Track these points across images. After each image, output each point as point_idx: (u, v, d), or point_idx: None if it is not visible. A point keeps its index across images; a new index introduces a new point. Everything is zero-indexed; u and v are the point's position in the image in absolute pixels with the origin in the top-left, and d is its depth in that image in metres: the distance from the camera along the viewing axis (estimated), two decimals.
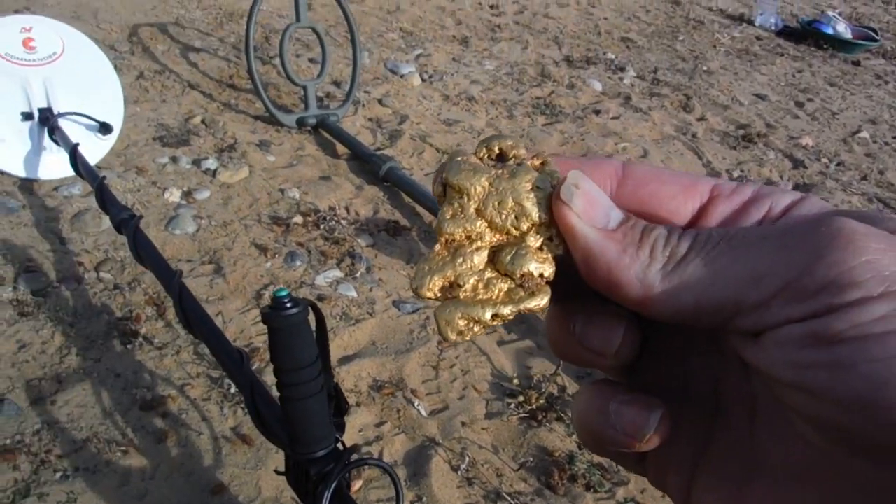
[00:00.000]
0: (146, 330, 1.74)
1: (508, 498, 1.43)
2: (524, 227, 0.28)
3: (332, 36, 3.88)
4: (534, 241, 0.28)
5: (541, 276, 0.27)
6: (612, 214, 0.27)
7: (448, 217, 0.29)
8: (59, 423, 1.47)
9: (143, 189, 2.29)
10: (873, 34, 5.92)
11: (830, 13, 6.17)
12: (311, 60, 3.54)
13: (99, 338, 1.70)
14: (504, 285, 0.28)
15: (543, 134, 3.22)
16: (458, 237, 0.29)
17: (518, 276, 0.27)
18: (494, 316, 0.27)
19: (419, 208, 2.42)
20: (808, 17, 6.30)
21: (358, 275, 2.05)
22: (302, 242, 2.15)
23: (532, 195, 0.28)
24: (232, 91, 3.13)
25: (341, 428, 1.10)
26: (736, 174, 3.17)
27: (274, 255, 2.07)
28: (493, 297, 0.28)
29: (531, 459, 1.54)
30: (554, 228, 0.28)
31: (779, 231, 0.25)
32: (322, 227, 2.23)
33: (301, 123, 2.87)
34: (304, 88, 2.88)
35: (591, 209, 0.27)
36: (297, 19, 2.82)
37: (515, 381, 1.75)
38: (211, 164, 2.48)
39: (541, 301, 0.27)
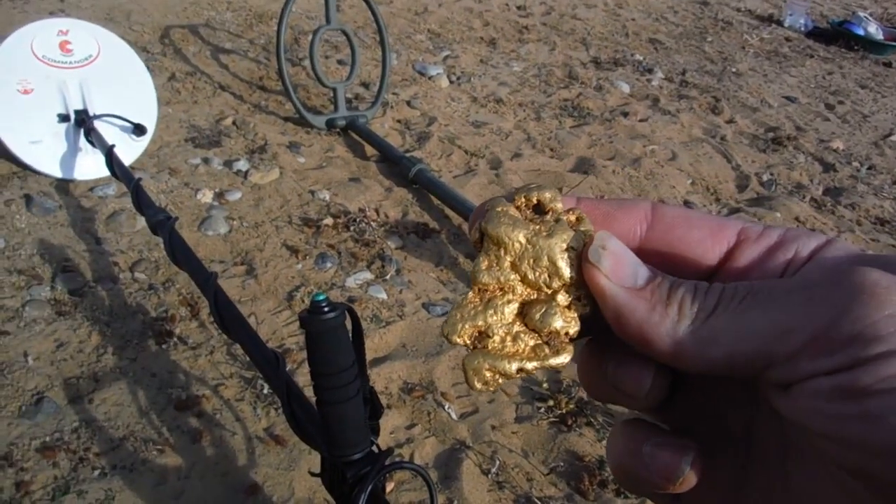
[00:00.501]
0: (180, 330, 1.77)
1: (539, 502, 1.44)
2: (555, 285, 0.29)
3: (360, 37, 3.90)
4: (563, 299, 0.29)
5: (566, 334, 0.29)
6: (639, 272, 0.28)
7: (483, 267, 0.30)
8: (96, 421, 1.50)
9: (175, 190, 2.32)
10: None
11: (861, 14, 6.09)
12: (339, 62, 3.57)
13: (134, 337, 1.73)
14: (531, 341, 0.29)
15: (571, 136, 3.21)
16: (491, 288, 0.30)
17: (545, 333, 0.29)
18: (520, 370, 0.29)
19: (448, 211, 2.43)
20: (839, 18, 6.23)
21: (388, 277, 2.06)
22: (332, 244, 2.17)
23: (566, 255, 0.29)
24: (262, 93, 3.16)
25: (376, 431, 1.11)
26: (765, 177, 3.14)
27: (305, 256, 2.09)
28: (520, 352, 0.29)
29: (561, 464, 1.55)
30: (583, 288, 0.29)
31: (804, 284, 0.25)
32: (352, 228, 2.25)
33: (330, 125, 2.89)
34: (334, 90, 2.89)
35: (618, 269, 0.28)
36: (328, 21, 2.84)
37: (545, 386, 1.75)
38: (242, 165, 2.51)
39: (564, 359, 0.29)
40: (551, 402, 1.68)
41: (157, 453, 1.45)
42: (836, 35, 5.87)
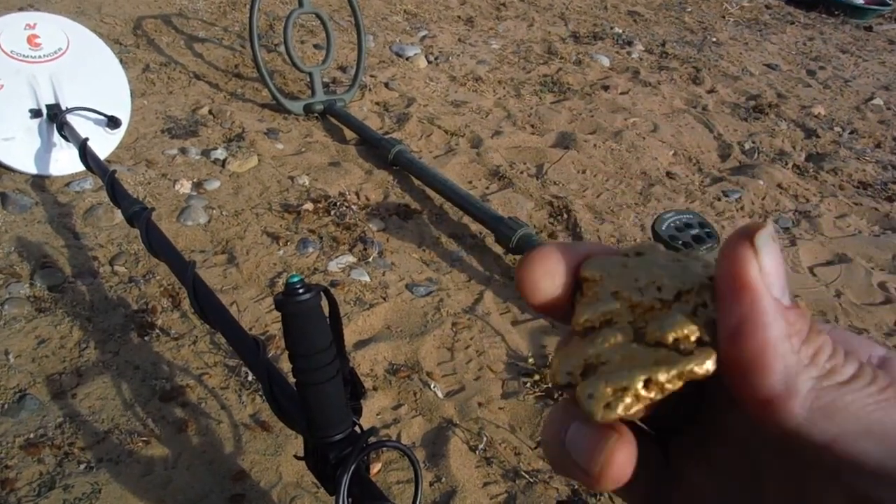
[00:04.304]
0: (162, 321, 1.76)
1: (527, 476, 1.44)
2: (668, 297, 0.25)
3: (335, 21, 3.87)
4: (684, 306, 0.25)
5: (698, 339, 0.24)
6: (787, 290, 0.24)
7: (583, 304, 0.27)
8: (80, 415, 1.49)
9: (153, 181, 2.30)
10: None
11: None
12: (315, 46, 3.54)
13: (116, 331, 1.72)
14: (656, 354, 0.24)
15: (552, 112, 3.20)
16: (596, 323, 0.26)
17: (670, 340, 0.24)
18: (648, 382, 0.24)
19: (429, 191, 2.42)
20: None
21: (370, 259, 2.05)
22: (313, 229, 2.16)
23: (671, 266, 0.26)
24: (238, 80, 3.13)
25: (358, 411, 1.11)
26: (748, 146, 3.14)
27: (286, 242, 2.08)
28: (645, 363, 0.24)
29: None
30: (707, 293, 0.25)
31: None
32: (333, 213, 2.23)
33: (308, 110, 2.86)
34: (310, 75, 2.87)
35: (775, 270, 0.23)
36: (300, 5, 2.81)
37: (531, 361, 1.75)
38: (220, 154, 2.49)
39: (707, 364, 0.24)
40: (537, 377, 1.68)
41: (142, 445, 1.44)
42: (816, 1, 5.85)
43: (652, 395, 0.24)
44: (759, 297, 0.23)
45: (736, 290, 0.23)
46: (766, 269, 0.23)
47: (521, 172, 2.68)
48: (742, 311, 0.23)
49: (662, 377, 0.24)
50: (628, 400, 0.24)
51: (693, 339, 0.24)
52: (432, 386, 1.65)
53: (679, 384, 0.24)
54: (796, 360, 0.22)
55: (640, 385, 0.24)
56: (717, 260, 0.24)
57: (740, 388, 0.23)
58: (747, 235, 0.23)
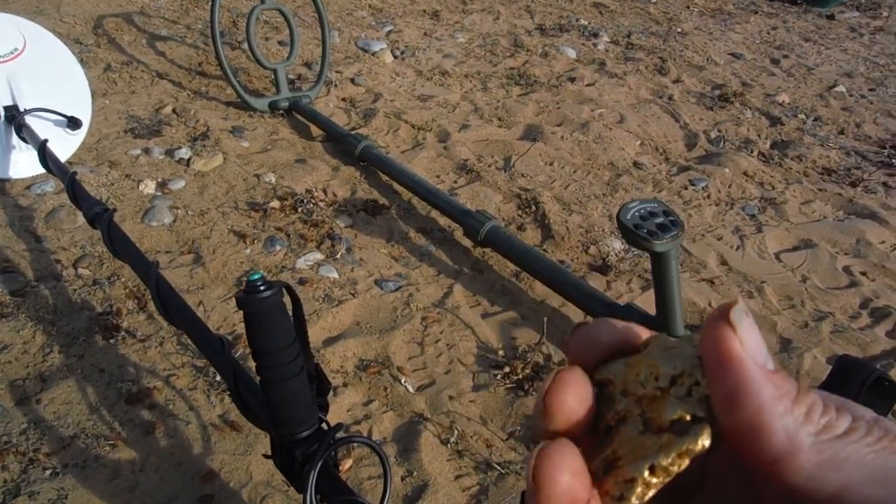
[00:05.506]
0: (128, 323, 1.74)
1: (499, 467, 1.44)
2: (665, 384, 0.27)
3: (300, 17, 3.84)
4: (679, 391, 0.27)
5: (693, 417, 0.26)
6: (768, 355, 0.26)
7: (601, 408, 0.29)
8: (45, 421, 1.47)
9: (117, 182, 2.26)
10: None
11: None
12: (280, 43, 3.51)
13: (81, 334, 1.69)
14: (659, 440, 0.26)
15: (518, 105, 3.20)
16: (612, 422, 0.29)
17: (670, 423, 0.26)
18: (653, 469, 0.26)
19: (397, 186, 2.41)
20: None
21: (338, 256, 2.04)
22: (281, 227, 2.14)
23: (665, 355, 0.28)
24: (202, 78, 3.10)
25: (324, 408, 1.10)
26: (713, 135, 3.17)
27: (253, 241, 2.06)
28: (648, 452, 0.26)
29: (519, 428, 1.55)
30: (698, 372, 0.27)
31: None
32: (300, 210, 2.22)
33: (273, 107, 2.84)
34: (275, 71, 2.85)
35: (754, 341, 0.25)
36: (262, 1, 2.79)
37: (501, 353, 1.75)
38: (184, 153, 2.46)
39: (702, 439, 0.26)
40: (507, 369, 1.68)
41: (109, 448, 1.42)
42: None
43: (659, 479, 0.26)
44: (745, 367, 0.24)
45: (722, 364, 0.25)
46: (746, 340, 0.25)
47: (489, 166, 2.68)
48: (731, 381, 0.25)
49: (665, 461, 0.26)
50: (639, 489, 0.26)
51: (688, 418, 0.26)
52: (403, 381, 1.64)
53: (683, 463, 0.26)
54: (792, 418, 0.24)
55: (646, 473, 0.26)
56: (701, 341, 0.26)
57: (746, 453, 0.25)
58: (723, 314, 0.25)
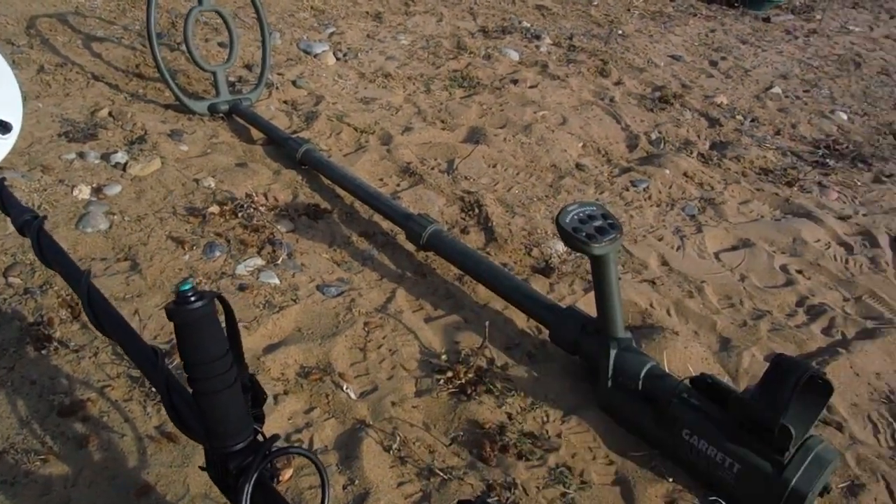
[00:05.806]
0: (61, 333, 1.69)
1: (441, 473, 1.44)
2: None
3: (241, 18, 3.79)
4: None
5: None
6: None
7: None
8: None
9: (49, 188, 2.20)
10: None
11: None
12: (220, 45, 3.46)
13: (11, 345, 1.64)
14: None
15: (462, 107, 3.21)
16: None
17: None
18: None
19: (339, 190, 2.40)
20: None
21: (280, 261, 2.02)
22: (220, 232, 2.11)
23: None
24: (139, 80, 3.04)
25: (260, 419, 1.09)
26: (654, 136, 3.22)
27: (192, 247, 2.02)
28: None
29: (462, 433, 1.55)
30: None
31: None
32: (240, 215, 2.19)
33: (213, 110, 2.80)
34: (214, 74, 2.80)
35: None
36: (200, 2, 2.74)
37: (444, 357, 1.75)
38: (121, 157, 2.41)
39: None
40: (450, 374, 1.68)
41: (40, 463, 1.38)
42: None
43: None
44: None
45: None
46: None
47: (432, 168, 2.68)
48: None
49: None
50: None
51: None
52: (345, 387, 1.63)
53: None
54: None
55: None
56: None
57: None
58: None
